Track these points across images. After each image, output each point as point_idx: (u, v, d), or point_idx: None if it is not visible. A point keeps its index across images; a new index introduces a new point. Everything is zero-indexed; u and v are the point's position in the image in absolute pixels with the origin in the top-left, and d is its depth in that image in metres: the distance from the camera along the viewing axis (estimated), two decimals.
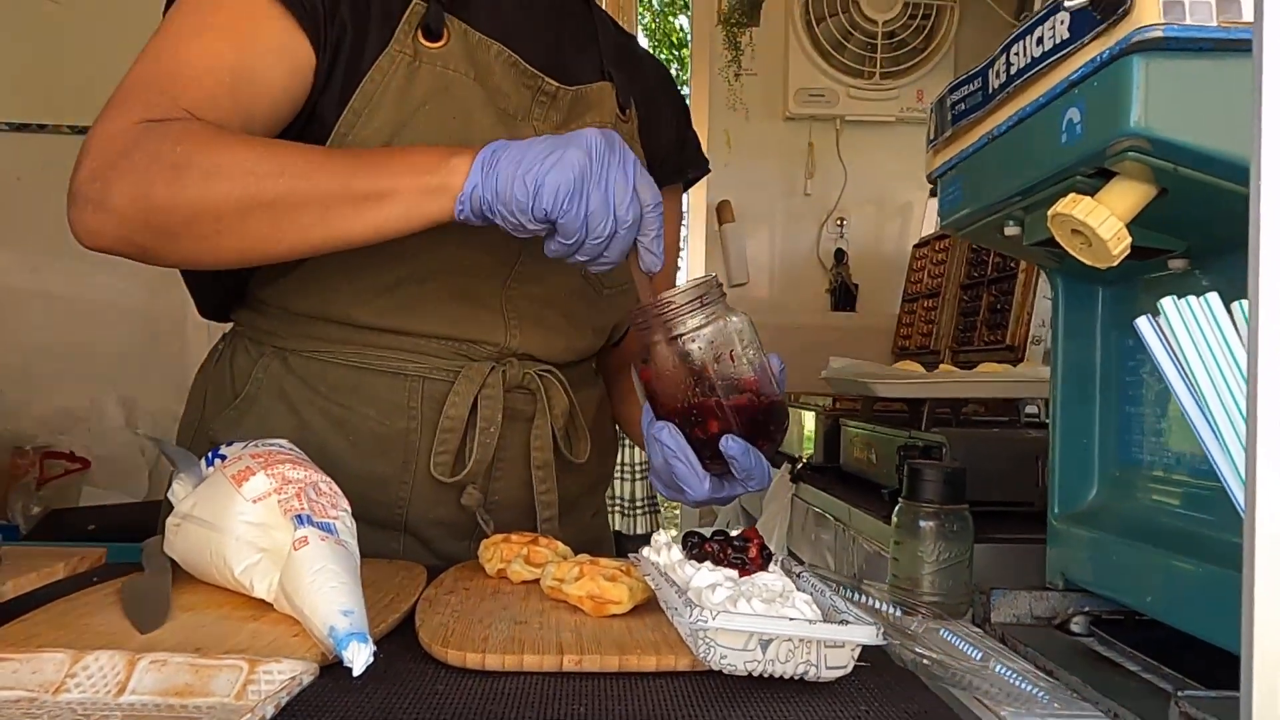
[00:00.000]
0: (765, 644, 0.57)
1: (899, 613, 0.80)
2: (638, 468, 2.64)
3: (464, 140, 0.86)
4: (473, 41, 0.89)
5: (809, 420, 1.54)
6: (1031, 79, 0.65)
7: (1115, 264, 0.59)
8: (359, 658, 0.56)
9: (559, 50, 0.96)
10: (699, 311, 0.75)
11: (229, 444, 0.80)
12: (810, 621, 0.57)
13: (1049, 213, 0.60)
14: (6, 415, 2.23)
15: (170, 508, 0.77)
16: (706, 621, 0.55)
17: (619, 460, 2.74)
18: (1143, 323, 0.47)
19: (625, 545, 2.72)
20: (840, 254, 2.70)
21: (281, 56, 0.81)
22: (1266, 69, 0.36)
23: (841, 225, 2.70)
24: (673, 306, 0.75)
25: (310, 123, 0.84)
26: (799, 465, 1.51)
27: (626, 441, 2.62)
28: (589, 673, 0.60)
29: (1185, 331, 0.46)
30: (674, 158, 1.09)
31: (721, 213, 2.65)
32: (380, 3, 0.85)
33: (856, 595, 0.80)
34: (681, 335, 0.75)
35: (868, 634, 0.57)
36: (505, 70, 0.90)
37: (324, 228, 0.73)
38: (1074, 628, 0.81)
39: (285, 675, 0.52)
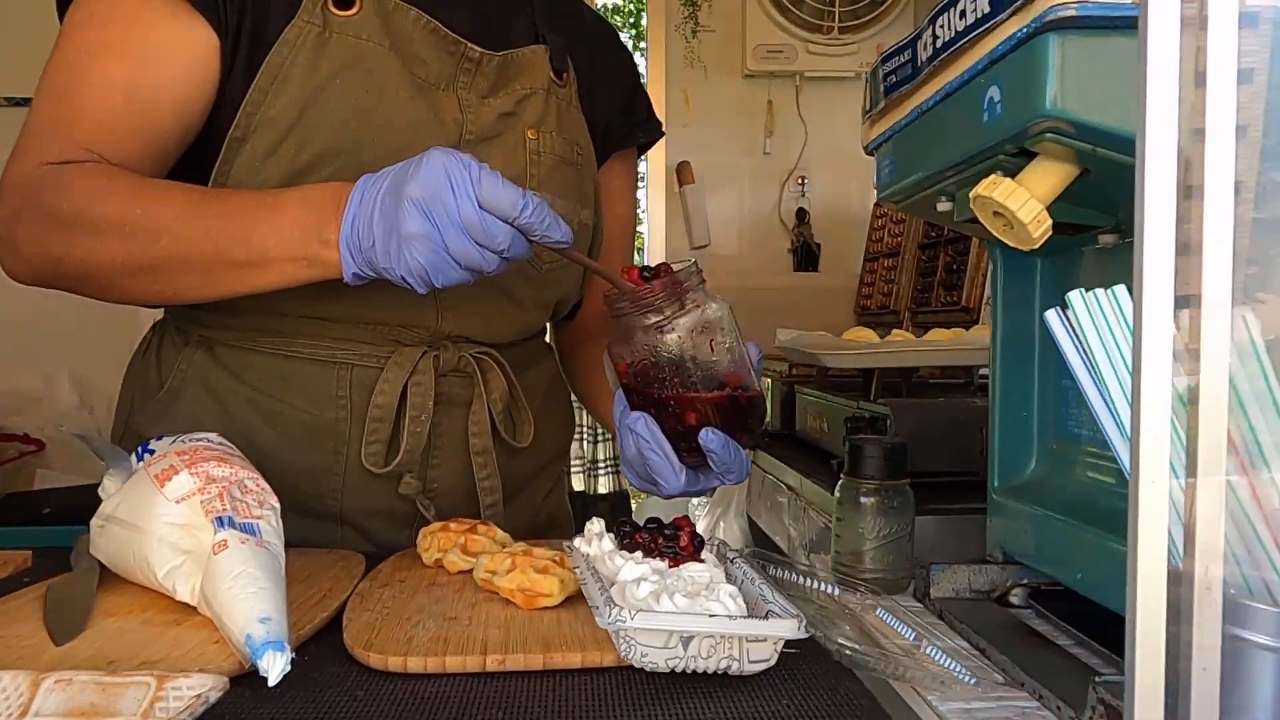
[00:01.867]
0: (686, 641, 0.56)
1: (837, 591, 0.80)
2: (600, 430, 2.63)
3: (379, 116, 0.82)
4: (389, 8, 0.85)
5: (765, 387, 1.53)
6: (955, 54, 0.63)
7: (1037, 246, 0.58)
8: (274, 667, 0.56)
9: (486, 13, 0.92)
10: (678, 300, 0.73)
11: (159, 438, 0.78)
12: (731, 617, 0.56)
13: (969, 195, 0.59)
14: None
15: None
16: (625, 621, 0.55)
17: (581, 422, 2.72)
18: (1051, 316, 0.46)
19: (589, 507, 2.72)
20: (802, 213, 2.67)
21: (178, 55, 0.79)
22: (1152, 49, 0.34)
23: (803, 184, 2.67)
24: (651, 294, 0.73)
25: (220, 105, 0.81)
26: None
27: None
28: (513, 672, 0.60)
29: (1090, 323, 0.45)
30: (621, 121, 1.05)
31: (681, 174, 2.62)
32: None
33: (795, 576, 0.80)
34: (659, 324, 0.73)
35: (789, 628, 0.56)
36: (425, 37, 0.86)
37: (211, 289, 0.76)
38: (1013, 599, 0.81)
39: (192, 692, 0.51)
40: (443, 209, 0.68)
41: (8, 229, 0.78)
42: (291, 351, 0.87)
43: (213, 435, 0.78)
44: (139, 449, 0.78)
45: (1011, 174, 0.59)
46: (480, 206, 0.68)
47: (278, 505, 0.73)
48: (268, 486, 0.74)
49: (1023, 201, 0.56)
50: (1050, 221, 0.57)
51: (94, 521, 0.75)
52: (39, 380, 2.16)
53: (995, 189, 0.57)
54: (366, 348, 0.87)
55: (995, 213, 0.59)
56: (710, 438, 0.73)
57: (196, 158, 0.83)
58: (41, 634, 0.63)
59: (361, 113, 0.82)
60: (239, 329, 0.87)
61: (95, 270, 0.76)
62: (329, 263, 0.73)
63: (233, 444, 0.78)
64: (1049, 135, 0.55)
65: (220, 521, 0.66)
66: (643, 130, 1.08)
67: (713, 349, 0.74)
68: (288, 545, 0.83)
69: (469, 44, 0.88)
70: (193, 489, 0.70)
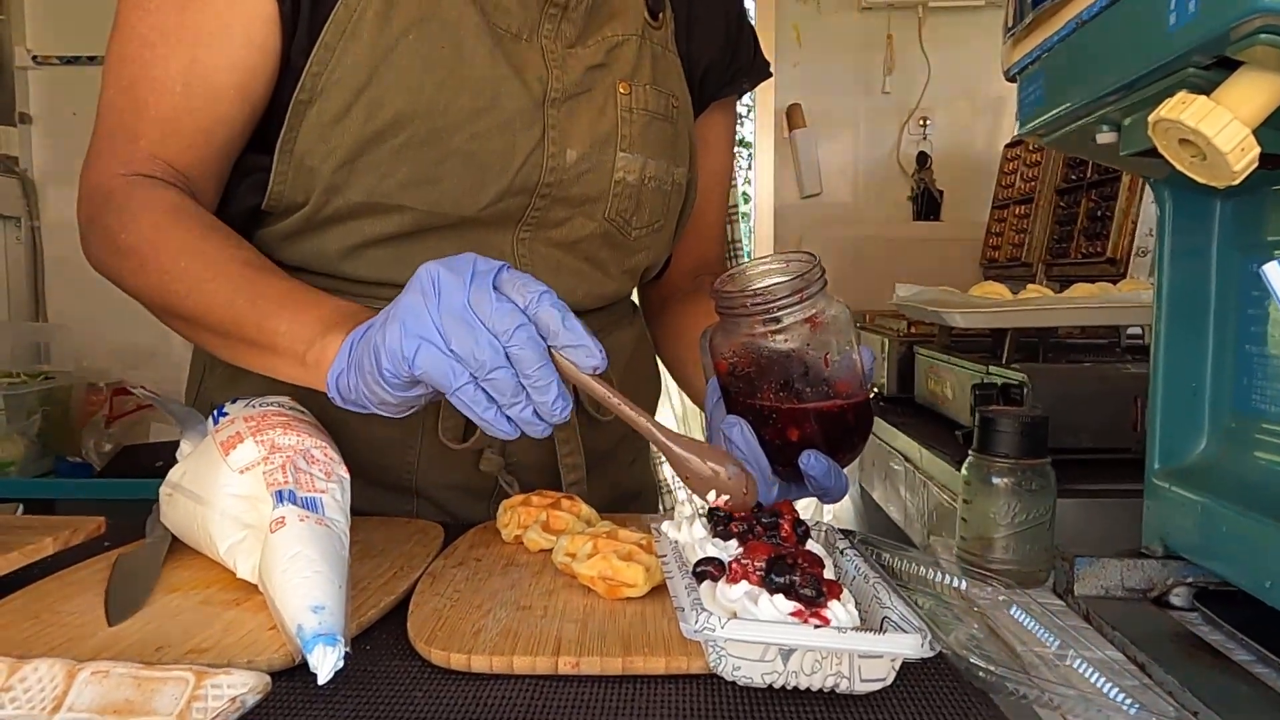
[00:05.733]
0: (786, 654, 0.48)
1: (964, 584, 0.70)
2: None
3: (456, 75, 0.75)
4: None
5: (881, 347, 1.42)
6: None
7: (1237, 181, 0.46)
8: (325, 663, 0.50)
9: None
10: (798, 307, 0.65)
11: (233, 401, 0.75)
12: (840, 629, 0.48)
13: (1150, 119, 0.47)
14: (81, 352, 2.27)
15: None
16: (713, 630, 0.47)
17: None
18: (1272, 269, 0.35)
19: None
20: (923, 157, 2.48)
21: (235, 31, 0.73)
22: None
23: (924, 125, 2.48)
24: (768, 299, 0.64)
25: (283, 74, 0.75)
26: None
27: None
28: (588, 676, 0.53)
29: None
30: (722, 66, 0.94)
31: (791, 117, 2.46)
32: None
33: (914, 566, 0.71)
34: (773, 332, 0.65)
35: (910, 645, 0.47)
36: None
37: (230, 353, 0.72)
38: (1174, 600, 0.70)
39: (232, 692, 0.46)
40: (453, 282, 0.57)
41: (83, 230, 0.77)
42: None
43: (284, 399, 0.74)
44: (214, 412, 0.75)
45: (1203, 92, 0.47)
46: (495, 287, 0.58)
47: (346, 476, 0.68)
48: (336, 456, 0.69)
49: (1222, 125, 0.44)
50: (1257, 150, 0.45)
51: (162, 489, 0.72)
52: (154, 335, 2.22)
53: (1185, 110, 0.45)
54: None
55: (1182, 141, 0.47)
56: (812, 463, 0.65)
57: (261, 132, 0.78)
58: (98, 610, 0.60)
59: (437, 72, 0.75)
60: None
61: (139, 298, 0.75)
62: (322, 367, 0.64)
63: (306, 410, 0.74)
64: (1262, 38, 0.43)
65: (280, 496, 0.62)
66: (747, 75, 0.98)
67: (826, 361, 0.66)
68: (364, 515, 0.79)
69: None
70: (257, 459, 0.65)
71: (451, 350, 0.57)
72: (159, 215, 0.72)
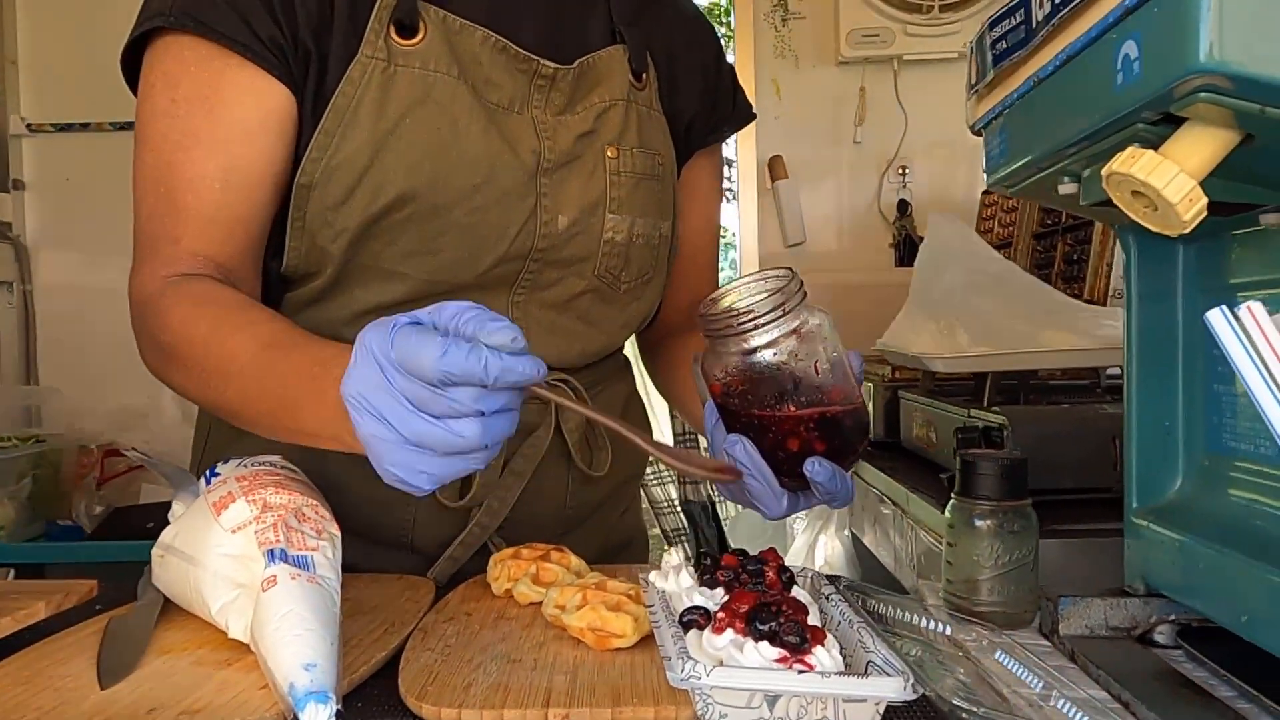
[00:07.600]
0: (772, 700, 0.49)
1: (948, 630, 0.71)
2: (692, 434, 2.56)
3: (453, 153, 0.78)
4: (454, 29, 0.79)
5: (867, 392, 1.43)
6: (1079, 8, 0.54)
7: (1187, 230, 0.48)
8: None
9: (557, 18, 0.86)
10: (781, 321, 0.66)
11: (225, 461, 0.75)
12: (824, 674, 0.49)
13: (1103, 172, 0.50)
14: (73, 414, 2.27)
15: None
16: (700, 678, 0.48)
17: (678, 431, 2.65)
18: (1216, 316, 0.37)
19: (693, 511, 2.65)
20: (904, 205, 2.53)
21: (265, 126, 0.76)
22: None
23: (904, 174, 2.53)
24: (751, 316, 0.66)
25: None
26: None
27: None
28: None
29: (1269, 325, 0.36)
30: (705, 117, 0.97)
31: (773, 169, 2.51)
32: (345, 4, 0.77)
33: (900, 612, 0.71)
34: (761, 348, 0.67)
35: (893, 687, 0.48)
36: (494, 58, 0.81)
37: (271, 434, 0.71)
38: (1158, 638, 0.71)
39: None
40: (381, 392, 0.55)
41: (136, 336, 0.78)
42: None
43: (275, 458, 0.75)
44: (207, 472, 0.76)
45: (1153, 145, 0.49)
46: (401, 370, 0.55)
47: (337, 533, 0.69)
48: (328, 514, 0.70)
49: (1170, 177, 0.46)
50: (1204, 201, 0.47)
51: (154, 551, 0.73)
52: (145, 396, 2.23)
53: (1135, 164, 0.47)
54: None
55: (1134, 193, 0.49)
56: (817, 469, 0.66)
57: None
58: (90, 673, 0.60)
59: (435, 151, 0.78)
60: None
61: (195, 402, 0.76)
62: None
63: (303, 470, 0.75)
64: (1202, 95, 0.45)
65: (272, 555, 0.62)
66: (729, 122, 1.00)
67: (816, 369, 0.67)
68: (358, 571, 0.80)
69: (541, 60, 0.82)
70: (248, 518, 0.66)
71: (441, 456, 0.55)
72: (187, 309, 0.73)
